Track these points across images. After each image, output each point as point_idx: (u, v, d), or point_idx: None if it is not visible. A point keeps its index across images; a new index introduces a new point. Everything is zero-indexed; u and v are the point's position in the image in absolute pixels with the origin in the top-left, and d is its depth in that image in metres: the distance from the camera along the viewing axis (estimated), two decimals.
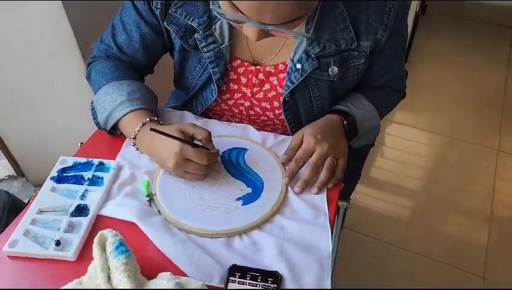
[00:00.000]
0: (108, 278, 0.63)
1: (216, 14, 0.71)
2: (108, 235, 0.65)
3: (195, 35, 0.87)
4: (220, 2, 0.68)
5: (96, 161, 0.84)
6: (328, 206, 0.78)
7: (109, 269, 0.63)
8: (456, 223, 1.78)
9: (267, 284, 0.65)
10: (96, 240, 0.65)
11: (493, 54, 2.66)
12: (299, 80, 0.86)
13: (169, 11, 0.86)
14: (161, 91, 1.11)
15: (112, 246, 0.64)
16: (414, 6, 2.16)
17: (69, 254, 0.69)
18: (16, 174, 1.50)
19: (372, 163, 2.02)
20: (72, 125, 1.06)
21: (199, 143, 0.79)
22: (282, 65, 0.89)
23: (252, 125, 0.95)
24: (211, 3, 0.71)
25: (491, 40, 2.77)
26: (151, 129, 0.77)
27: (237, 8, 0.64)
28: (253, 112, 0.96)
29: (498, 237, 1.71)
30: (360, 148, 1.02)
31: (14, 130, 1.37)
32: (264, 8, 0.62)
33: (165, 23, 0.87)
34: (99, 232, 0.66)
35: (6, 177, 1.49)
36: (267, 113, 0.94)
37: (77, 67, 1.13)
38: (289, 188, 0.80)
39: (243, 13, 0.64)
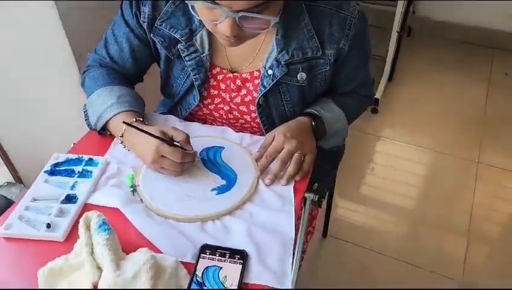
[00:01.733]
0: (92, 253, 0.71)
1: (190, 10, 0.81)
2: (93, 215, 0.73)
3: (178, 45, 0.97)
4: (195, 5, 0.78)
5: (86, 157, 0.93)
6: (294, 196, 0.86)
7: (93, 245, 0.71)
8: (436, 236, 1.84)
9: (234, 260, 0.73)
10: (81, 220, 0.73)
11: (474, 72, 2.78)
12: (271, 85, 0.95)
13: (155, 24, 0.96)
14: (150, 101, 1.20)
15: (96, 225, 0.72)
16: (395, 27, 2.29)
17: (58, 234, 0.76)
18: (14, 181, 1.58)
19: (361, 180, 2.10)
20: (68, 132, 1.15)
21: (178, 145, 0.88)
22: (256, 72, 0.99)
23: (232, 128, 1.04)
24: (190, 9, 0.81)
25: (472, 60, 2.89)
26: (130, 124, 0.86)
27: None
28: (232, 116, 1.05)
29: (476, 249, 1.77)
30: (331, 149, 1.11)
31: (13, 137, 1.46)
32: None
33: (151, 35, 0.97)
34: (85, 213, 0.74)
35: (5, 184, 1.57)
36: (245, 116, 1.03)
37: (74, 77, 1.23)
38: (260, 180, 0.89)
39: (216, 3, 0.73)
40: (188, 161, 0.88)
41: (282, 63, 0.93)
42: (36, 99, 1.34)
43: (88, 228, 0.73)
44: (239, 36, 0.80)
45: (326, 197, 1.21)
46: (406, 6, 2.24)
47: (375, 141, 2.30)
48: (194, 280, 0.70)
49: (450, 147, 2.24)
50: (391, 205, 1.97)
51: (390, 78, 2.62)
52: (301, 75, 0.96)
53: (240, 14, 0.74)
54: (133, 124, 0.88)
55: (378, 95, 2.41)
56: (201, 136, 0.99)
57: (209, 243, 0.76)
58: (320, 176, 1.13)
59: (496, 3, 2.81)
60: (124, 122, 0.87)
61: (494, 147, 2.24)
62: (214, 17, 0.77)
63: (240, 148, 0.96)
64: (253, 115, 1.02)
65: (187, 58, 0.98)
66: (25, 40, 1.20)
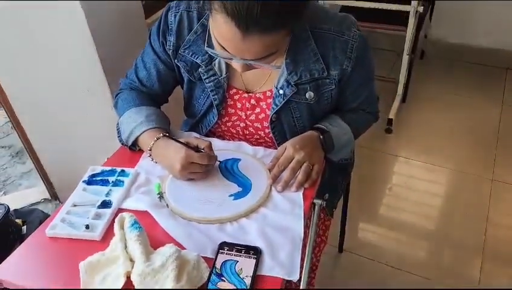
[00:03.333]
0: (125, 248, 0.81)
1: (211, 54, 0.94)
2: (126, 216, 0.85)
3: (199, 69, 1.09)
4: (215, 44, 0.91)
5: (118, 169, 1.05)
6: (304, 201, 0.95)
7: (126, 241, 0.82)
8: (452, 254, 1.87)
9: (249, 255, 0.82)
10: (116, 220, 0.85)
11: (487, 93, 2.83)
12: (282, 103, 1.06)
13: (179, 52, 1.09)
14: (174, 121, 1.33)
15: (128, 224, 0.83)
16: (406, 50, 2.39)
17: (96, 234, 0.87)
18: (50, 198, 1.72)
19: (379, 200, 2.15)
20: (100, 152, 1.27)
21: (203, 151, 0.99)
22: (269, 92, 1.10)
23: (248, 143, 1.15)
24: (205, 46, 0.94)
25: (485, 81, 2.95)
26: (165, 136, 1.00)
27: (225, 49, 0.87)
28: (247, 132, 1.16)
29: (491, 268, 1.79)
30: (340, 162, 1.20)
31: (51, 156, 1.61)
32: (244, 49, 0.85)
33: (175, 60, 1.10)
34: (119, 214, 0.85)
35: (42, 201, 1.72)
36: (259, 132, 1.14)
37: (107, 100, 1.36)
38: (273, 187, 0.99)
39: (229, 52, 0.87)
40: (213, 163, 1.00)
41: (292, 83, 1.04)
42: (72, 121, 1.49)
43: (122, 227, 0.84)
44: (250, 68, 0.93)
45: (336, 208, 1.29)
46: (415, 30, 2.34)
47: (390, 161, 2.36)
48: (214, 271, 0.79)
49: (465, 165, 2.29)
50: (407, 224, 2.01)
51: (403, 100, 2.70)
52: (309, 94, 1.06)
53: (250, 61, 0.88)
54: (162, 139, 1.00)
55: (391, 116, 2.49)
56: (220, 149, 1.10)
57: (227, 241, 0.86)
58: (331, 187, 1.23)
59: (509, 24, 2.88)
60: (164, 135, 1.02)
61: (508, 165, 2.28)
62: (228, 56, 0.90)
63: (254, 160, 1.07)
64: (267, 130, 1.13)
65: (207, 81, 1.10)
66: (63, 67, 1.35)
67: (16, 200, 1.76)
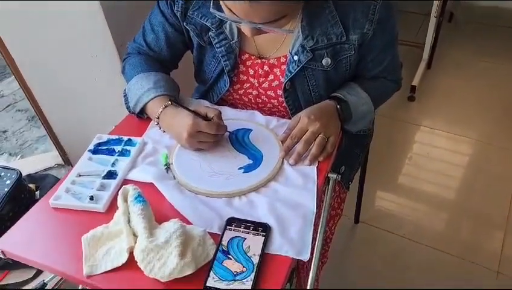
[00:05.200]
0: (129, 221, 0.78)
1: (218, 17, 0.87)
2: (130, 188, 0.81)
3: (209, 33, 1.02)
4: (222, 6, 0.84)
5: (125, 138, 1.01)
6: (317, 175, 0.90)
7: (129, 214, 0.79)
8: (472, 226, 1.81)
9: (257, 232, 0.78)
10: (120, 192, 0.81)
11: None
12: (296, 70, 0.99)
13: (188, 14, 1.02)
14: (185, 88, 1.27)
15: (132, 197, 0.79)
16: (433, 12, 2.24)
17: (100, 206, 0.85)
18: (63, 163, 1.71)
19: (399, 169, 2.09)
20: (110, 117, 1.24)
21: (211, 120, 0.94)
22: (283, 58, 1.03)
23: (261, 112, 1.09)
24: (211, 7, 0.87)
25: None
26: (172, 102, 0.95)
27: (233, 12, 0.80)
28: (260, 100, 1.10)
29: None
30: (358, 133, 1.14)
31: (63, 123, 1.58)
32: (252, 12, 0.78)
33: (184, 23, 1.04)
34: (123, 187, 0.82)
35: (55, 166, 1.71)
36: (272, 100, 1.08)
37: (115, 65, 1.31)
38: (285, 161, 0.93)
39: (237, 16, 0.80)
40: (221, 133, 0.95)
41: (307, 48, 0.97)
42: (81, 87, 1.45)
43: (125, 199, 0.81)
44: (260, 32, 0.86)
45: (352, 181, 1.24)
46: None
47: (412, 130, 2.28)
48: (220, 249, 0.76)
49: (490, 136, 2.19)
50: (427, 194, 1.96)
51: (429, 66, 2.57)
52: (326, 60, 0.99)
53: (259, 25, 0.81)
54: (170, 106, 0.95)
55: (415, 83, 2.38)
56: (231, 118, 1.04)
57: (235, 216, 0.82)
58: (347, 159, 1.17)
59: None
60: (171, 101, 0.97)
61: None
62: (236, 20, 0.83)
63: (266, 130, 1.01)
64: (280, 99, 1.07)
65: (217, 45, 1.03)
66: (70, 32, 1.30)
67: (30, 164, 1.75)
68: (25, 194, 1.49)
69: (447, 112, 2.36)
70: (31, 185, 1.54)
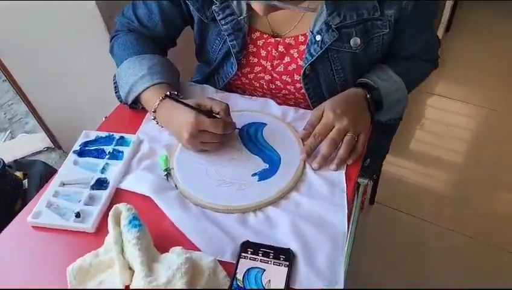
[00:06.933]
0: (122, 251, 0.64)
1: None
2: (123, 209, 0.66)
3: (213, 7, 0.85)
4: None
5: (117, 135, 0.86)
6: (346, 183, 0.76)
7: (123, 242, 0.65)
8: (492, 198, 1.72)
9: (279, 261, 0.65)
10: (111, 213, 0.67)
11: None
12: (319, 53, 0.83)
13: None
14: (186, 65, 1.11)
15: (126, 220, 0.65)
16: None
17: (88, 225, 0.71)
18: (53, 146, 1.56)
19: (411, 135, 1.97)
20: (102, 98, 1.09)
21: (217, 116, 0.79)
22: (302, 37, 0.86)
23: (274, 99, 0.93)
24: None
25: None
26: (169, 96, 0.78)
27: None
28: (273, 86, 0.93)
29: None
30: (387, 122, 0.98)
31: (48, 104, 1.42)
32: None
33: None
34: (114, 206, 0.67)
35: (45, 149, 1.56)
36: (288, 86, 0.92)
37: (105, 41, 1.14)
38: (307, 164, 0.78)
39: None
40: (230, 132, 0.79)
41: (333, 26, 0.80)
42: (65, 66, 1.28)
43: (117, 221, 0.67)
44: (276, 9, 0.69)
45: (376, 173, 1.10)
46: None
47: (427, 97, 2.12)
48: (235, 284, 0.62)
49: (508, 105, 2.03)
50: (442, 161, 1.85)
51: (447, 29, 2.37)
52: (355, 41, 0.82)
53: (273, 3, 0.65)
54: (168, 98, 0.79)
55: None
56: (241, 110, 0.89)
57: (250, 238, 0.68)
58: (373, 150, 1.02)
59: None
60: (168, 95, 0.80)
61: None
62: None
63: (283, 124, 0.86)
64: (298, 85, 0.90)
65: (222, 22, 0.86)
66: (49, 3, 1.12)
67: (17, 147, 1.61)
68: (10, 184, 1.35)
69: (464, 78, 2.20)
70: (18, 174, 1.40)
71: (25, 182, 1.41)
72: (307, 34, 0.84)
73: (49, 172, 1.39)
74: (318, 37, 0.82)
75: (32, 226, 0.73)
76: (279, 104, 0.92)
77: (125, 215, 0.66)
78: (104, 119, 0.93)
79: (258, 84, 0.95)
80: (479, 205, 1.69)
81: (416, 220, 1.65)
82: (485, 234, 1.59)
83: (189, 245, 0.67)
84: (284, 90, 0.93)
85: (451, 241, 1.58)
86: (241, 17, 0.85)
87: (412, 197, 1.73)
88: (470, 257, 1.53)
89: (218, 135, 0.77)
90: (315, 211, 0.72)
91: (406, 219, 1.66)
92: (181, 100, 0.78)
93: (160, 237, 0.68)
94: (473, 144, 1.93)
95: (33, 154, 1.54)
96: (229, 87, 1.00)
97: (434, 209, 1.67)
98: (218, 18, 0.86)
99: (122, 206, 0.67)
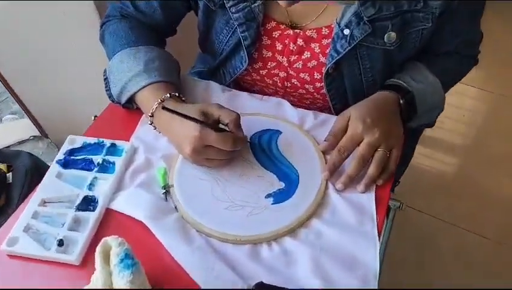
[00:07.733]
0: None
1: None
2: (113, 243, 0.55)
3: None
4: None
5: (107, 142, 0.74)
6: (376, 207, 0.64)
7: (112, 284, 0.54)
8: (508, 187, 1.64)
9: None
10: (99, 249, 0.55)
11: None
12: (347, 50, 0.70)
13: None
14: (186, 52, 0.98)
15: (117, 259, 0.54)
16: None
17: (73, 257, 0.60)
18: (40, 135, 1.44)
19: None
20: (93, 86, 0.96)
21: (225, 128, 0.66)
22: (326, 29, 0.73)
23: (288, 99, 0.81)
24: None
25: None
26: (165, 108, 0.65)
27: None
28: (289, 84, 0.81)
29: None
30: (418, 128, 0.86)
31: (34, 93, 1.29)
32: None
33: None
34: (103, 239, 0.55)
35: (31, 138, 1.44)
36: (306, 86, 0.79)
37: (95, 25, 1.00)
38: (329, 184, 0.67)
39: None
40: (239, 148, 0.67)
41: (365, 19, 0.67)
42: (52, 50, 1.14)
43: (106, 258, 0.56)
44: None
45: (399, 181, 0.99)
46: None
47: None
48: None
49: None
50: (453, 146, 1.80)
51: None
52: (389, 36, 0.69)
53: None
54: (167, 105, 0.66)
55: None
56: (251, 113, 0.77)
57: (263, 276, 0.57)
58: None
59: None
60: (164, 108, 0.65)
61: None
62: None
63: (300, 133, 0.74)
64: (318, 84, 0.78)
65: (233, 10, 0.73)
66: None
67: (1, 135, 1.48)
68: None
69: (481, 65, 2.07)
70: (1, 166, 1.28)
71: (9, 175, 1.29)
72: (333, 26, 0.71)
73: (35, 165, 1.28)
74: (346, 31, 0.69)
75: (8, 255, 0.62)
76: (293, 104, 0.80)
77: (116, 252, 0.54)
78: (93, 118, 0.81)
79: (270, 82, 0.82)
80: (490, 197, 1.62)
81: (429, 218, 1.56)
82: (497, 230, 1.52)
83: (191, 283, 0.57)
84: (300, 90, 0.81)
85: (462, 240, 1.50)
86: (255, 4, 0.72)
87: (426, 193, 1.64)
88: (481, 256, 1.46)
89: (226, 152, 0.65)
90: (341, 244, 0.61)
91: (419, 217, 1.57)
92: (178, 112, 0.64)
93: (159, 271, 0.58)
94: (484, 129, 1.87)
95: (19, 142, 1.42)
96: (237, 83, 0.87)
97: (447, 208, 1.59)
98: (227, 5, 0.73)
99: (112, 241, 0.55)
